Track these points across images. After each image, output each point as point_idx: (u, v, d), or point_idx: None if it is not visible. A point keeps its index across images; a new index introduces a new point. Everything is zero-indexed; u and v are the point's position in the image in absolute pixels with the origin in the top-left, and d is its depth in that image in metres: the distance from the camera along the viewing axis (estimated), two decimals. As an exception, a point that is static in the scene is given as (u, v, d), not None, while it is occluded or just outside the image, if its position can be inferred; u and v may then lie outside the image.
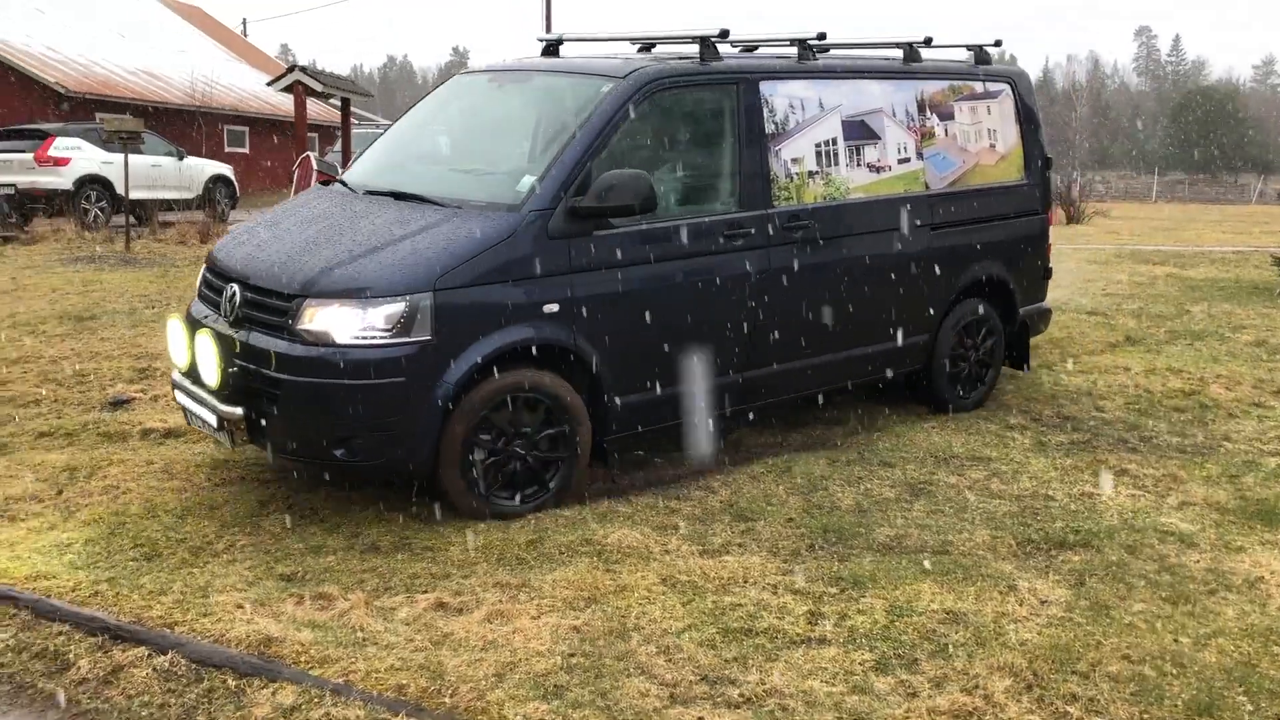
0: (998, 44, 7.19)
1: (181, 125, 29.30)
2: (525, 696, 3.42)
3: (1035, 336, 7.60)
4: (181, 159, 21.86)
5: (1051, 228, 7.48)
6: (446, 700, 3.41)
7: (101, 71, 29.73)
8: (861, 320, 6.21)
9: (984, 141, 6.96)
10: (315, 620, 3.94)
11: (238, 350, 4.85)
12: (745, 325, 5.67)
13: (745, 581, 4.33)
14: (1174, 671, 3.69)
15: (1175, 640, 3.92)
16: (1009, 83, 7.18)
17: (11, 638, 3.89)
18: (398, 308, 4.62)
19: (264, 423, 4.78)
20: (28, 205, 18.72)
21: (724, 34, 5.75)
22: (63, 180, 18.95)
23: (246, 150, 33.31)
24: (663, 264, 5.33)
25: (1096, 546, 4.75)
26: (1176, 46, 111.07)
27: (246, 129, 33.95)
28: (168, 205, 19.88)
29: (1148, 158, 75.79)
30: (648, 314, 5.28)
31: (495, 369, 4.84)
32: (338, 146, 22.39)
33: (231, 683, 3.53)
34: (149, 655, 3.68)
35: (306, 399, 4.67)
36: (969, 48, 7.19)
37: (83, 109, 26.63)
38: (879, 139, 6.36)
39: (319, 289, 4.72)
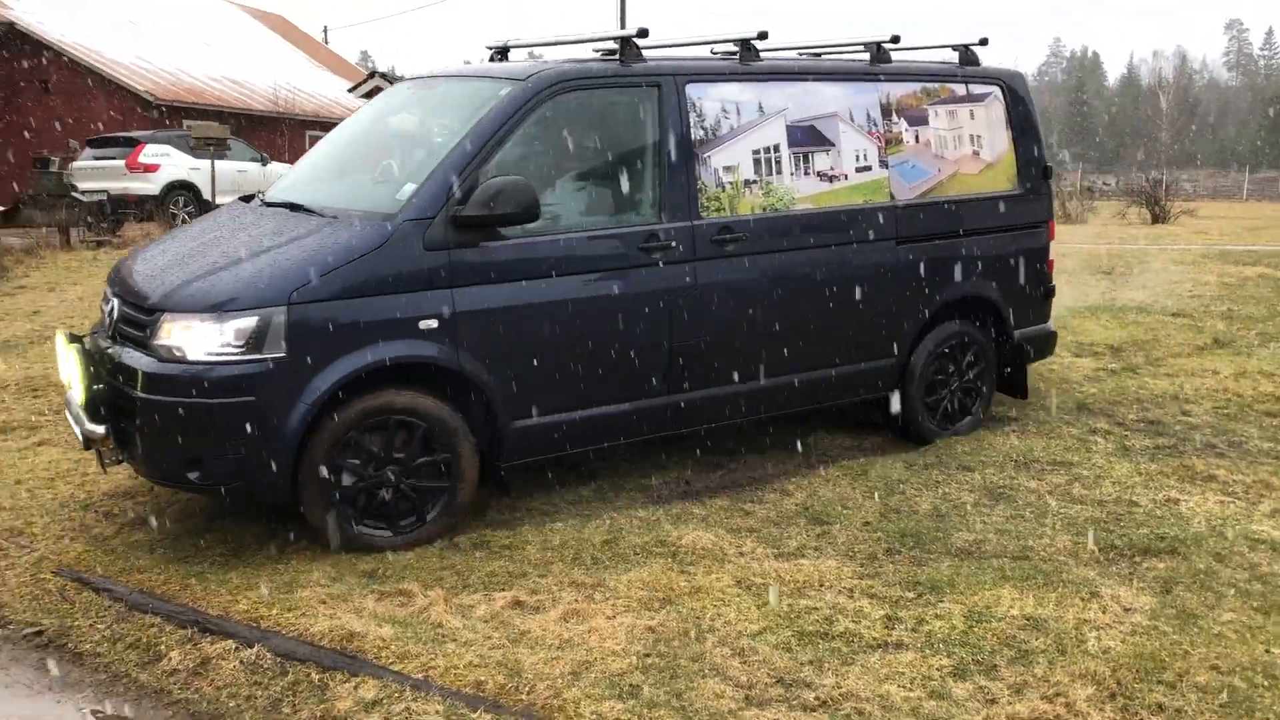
0: (983, 43, 6.60)
1: (265, 131, 30.00)
2: (601, 695, 3.45)
3: (1037, 361, 6.97)
4: (265, 164, 22.40)
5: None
6: (524, 697, 3.45)
7: (189, 80, 30.56)
8: (811, 341, 5.73)
9: (965, 148, 6.40)
10: (395, 616, 4.02)
11: (108, 366, 4.70)
12: (667, 345, 5.25)
13: (821, 585, 4.31)
14: (1265, 683, 3.59)
15: (1267, 651, 3.81)
16: (999, 85, 6.56)
17: (107, 629, 4.04)
18: (249, 323, 4.37)
19: (127, 442, 4.63)
20: (119, 210, 19.34)
21: (643, 33, 5.38)
22: (152, 186, 19.58)
23: (328, 155, 33.89)
24: (565, 278, 4.96)
25: (1183, 554, 4.64)
26: (1269, 40, 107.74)
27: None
28: (252, 210, 20.38)
29: (1238, 155, 73.56)
30: (548, 331, 4.92)
31: (363, 388, 4.55)
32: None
33: (315, 676, 3.61)
34: (236, 648, 3.79)
35: (160, 417, 4.44)
36: (955, 47, 6.62)
37: (171, 116, 27.41)
38: (833, 145, 5.86)
39: (174, 303, 4.53)
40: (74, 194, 18.38)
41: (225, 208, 5.86)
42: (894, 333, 6.05)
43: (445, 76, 5.95)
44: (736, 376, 5.53)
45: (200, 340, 4.41)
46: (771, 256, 5.57)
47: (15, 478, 5.62)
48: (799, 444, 6.16)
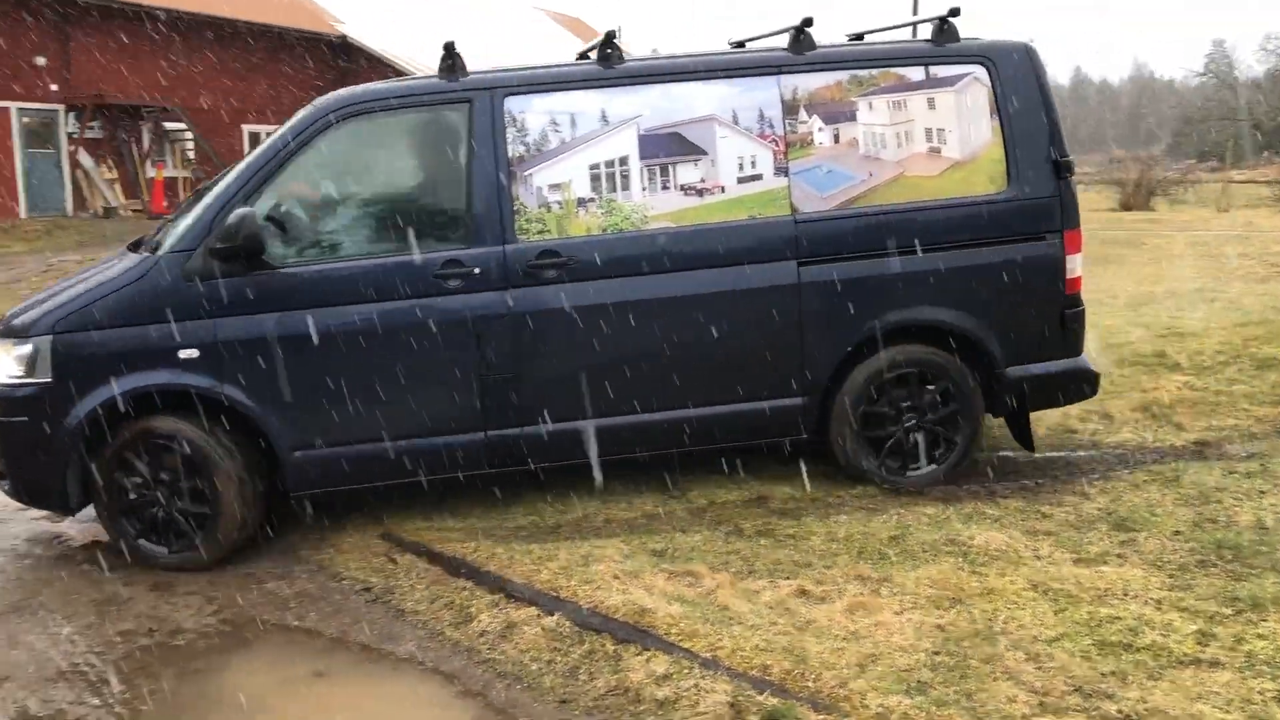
0: (954, 13, 5.44)
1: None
2: (888, 689, 3.43)
3: (1067, 405, 5.82)
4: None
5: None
6: (809, 685, 3.48)
7: (494, 83, 32.54)
8: (670, 376, 5.08)
9: (917, 145, 5.32)
10: (683, 595, 4.15)
11: None
12: (476, 378, 4.93)
13: (1125, 594, 4.07)
14: None
15: None
16: (982, 64, 5.36)
17: (426, 590, 4.43)
18: (27, 350, 4.76)
19: None
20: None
21: (449, 47, 5.10)
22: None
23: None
24: (342, 306, 4.82)
25: None
26: None
27: (620, 132, 35.75)
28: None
29: None
30: (324, 362, 4.81)
31: (134, 415, 4.77)
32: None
33: (610, 647, 3.80)
34: (539, 615, 4.05)
35: None
36: (929, 21, 5.55)
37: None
38: (704, 154, 5.17)
39: (1, 329, 4.96)
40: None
41: None
42: (799, 367, 5.21)
43: None
44: (572, 413, 5.05)
45: (2, 364, 4.86)
46: (611, 282, 5.02)
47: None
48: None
